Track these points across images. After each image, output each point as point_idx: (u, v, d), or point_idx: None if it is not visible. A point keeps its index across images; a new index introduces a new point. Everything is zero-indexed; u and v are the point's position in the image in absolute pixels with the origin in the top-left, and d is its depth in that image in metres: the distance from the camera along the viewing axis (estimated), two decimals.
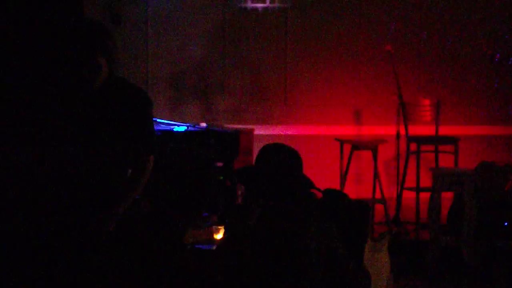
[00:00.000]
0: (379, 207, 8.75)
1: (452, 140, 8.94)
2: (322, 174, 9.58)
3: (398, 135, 8.85)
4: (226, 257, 3.12)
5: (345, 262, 3.29)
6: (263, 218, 3.16)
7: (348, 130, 10.06)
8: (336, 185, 8.76)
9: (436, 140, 9.01)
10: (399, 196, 8.89)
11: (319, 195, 3.70)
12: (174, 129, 8.87)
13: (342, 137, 9.09)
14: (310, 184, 3.39)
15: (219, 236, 5.41)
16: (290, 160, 3.27)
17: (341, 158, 8.77)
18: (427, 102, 9.16)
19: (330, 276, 3.23)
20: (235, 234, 3.16)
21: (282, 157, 3.28)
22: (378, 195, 8.70)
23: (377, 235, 5.87)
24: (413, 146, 8.90)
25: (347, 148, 8.74)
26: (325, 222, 3.27)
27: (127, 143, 4.12)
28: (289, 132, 10.09)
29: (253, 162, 3.55)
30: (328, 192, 3.62)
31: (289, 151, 3.32)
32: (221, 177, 8.11)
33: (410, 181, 8.89)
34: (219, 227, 5.49)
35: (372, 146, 8.72)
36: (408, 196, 8.96)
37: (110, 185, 3.95)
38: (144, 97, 4.39)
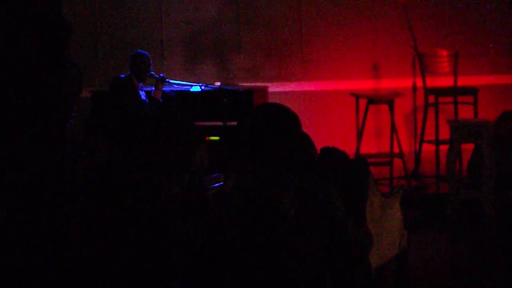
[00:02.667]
0: (397, 162, 8.66)
1: (471, 91, 8.78)
2: (339, 129, 9.56)
3: (414, 88, 8.72)
4: (208, 224, 3.03)
5: (344, 221, 3.20)
6: (239, 185, 3.06)
7: (364, 84, 9.93)
8: (353, 140, 8.69)
9: (455, 91, 8.83)
10: (419, 149, 8.77)
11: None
12: (191, 90, 8.83)
13: (358, 92, 8.98)
14: (307, 145, 3.27)
15: None
16: (278, 123, 3.09)
17: (357, 113, 8.66)
18: (444, 53, 8.98)
19: (329, 237, 3.15)
20: (214, 201, 3.08)
21: (269, 119, 3.10)
22: (396, 149, 8.60)
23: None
24: (431, 98, 8.75)
25: (363, 102, 8.63)
26: (323, 182, 3.17)
27: None
28: (306, 88, 9.99)
29: None
30: (325, 150, 3.52)
31: (277, 112, 3.12)
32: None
33: (429, 134, 8.77)
34: None
35: (388, 99, 8.60)
36: (428, 149, 8.85)
37: None
38: None
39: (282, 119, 3.08)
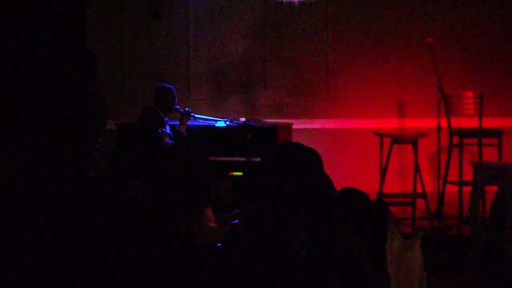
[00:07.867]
0: (420, 202, 8.62)
1: (496, 133, 8.75)
2: (362, 168, 9.55)
3: (439, 128, 8.70)
4: (218, 263, 3.03)
5: (363, 262, 3.20)
6: (249, 224, 3.06)
7: (389, 123, 9.93)
8: (376, 179, 8.67)
9: (480, 133, 8.81)
10: (442, 190, 8.74)
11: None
12: (216, 125, 8.87)
13: (382, 131, 8.97)
14: (326, 185, 3.25)
15: None
16: (293, 162, 3.09)
17: (381, 152, 8.66)
18: (470, 94, 8.97)
19: (347, 276, 3.14)
20: (225, 240, 3.08)
21: (286, 159, 3.10)
22: (419, 190, 8.57)
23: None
24: (456, 139, 8.72)
25: (387, 142, 8.63)
26: (341, 223, 3.17)
27: None
28: (330, 126, 10.01)
29: None
30: (345, 191, 3.52)
31: (293, 152, 3.10)
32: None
33: (453, 175, 8.74)
34: None
35: (412, 139, 8.59)
36: (451, 190, 8.81)
37: None
38: None
39: (299, 159, 3.08)
